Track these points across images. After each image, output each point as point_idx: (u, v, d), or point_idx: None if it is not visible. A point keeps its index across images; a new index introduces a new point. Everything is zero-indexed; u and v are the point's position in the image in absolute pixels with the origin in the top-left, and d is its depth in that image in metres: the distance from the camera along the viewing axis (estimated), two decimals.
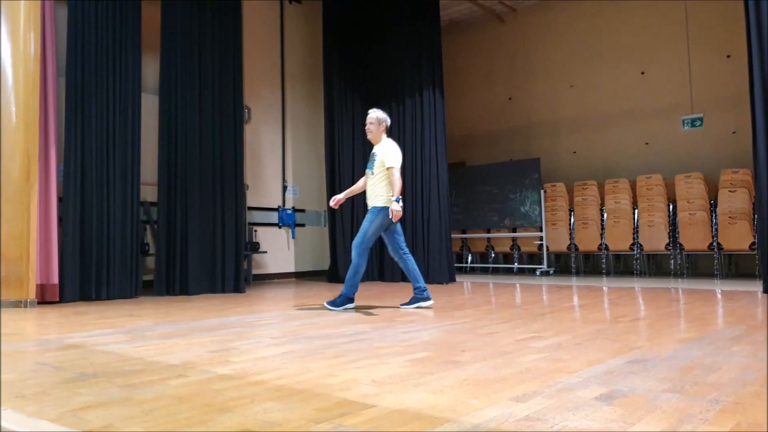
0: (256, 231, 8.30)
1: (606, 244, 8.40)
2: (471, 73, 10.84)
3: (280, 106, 9.00)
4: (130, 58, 6.16)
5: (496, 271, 9.67)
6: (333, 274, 8.14)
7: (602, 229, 8.47)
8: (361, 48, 8.51)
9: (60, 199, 5.66)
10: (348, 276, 4.62)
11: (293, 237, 8.98)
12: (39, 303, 5.23)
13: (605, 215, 8.44)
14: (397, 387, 2.08)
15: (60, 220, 5.60)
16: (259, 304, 5.36)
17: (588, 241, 8.56)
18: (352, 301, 4.66)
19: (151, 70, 6.82)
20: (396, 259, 4.81)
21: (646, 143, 8.94)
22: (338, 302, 4.61)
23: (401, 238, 4.77)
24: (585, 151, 9.53)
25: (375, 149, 4.81)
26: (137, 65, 6.22)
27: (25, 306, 5.03)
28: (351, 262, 4.65)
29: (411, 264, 4.75)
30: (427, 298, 4.73)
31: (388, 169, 4.62)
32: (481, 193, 9.37)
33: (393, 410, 1.78)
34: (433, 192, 7.68)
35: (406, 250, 4.78)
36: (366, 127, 4.89)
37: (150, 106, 6.61)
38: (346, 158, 8.34)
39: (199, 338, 3.28)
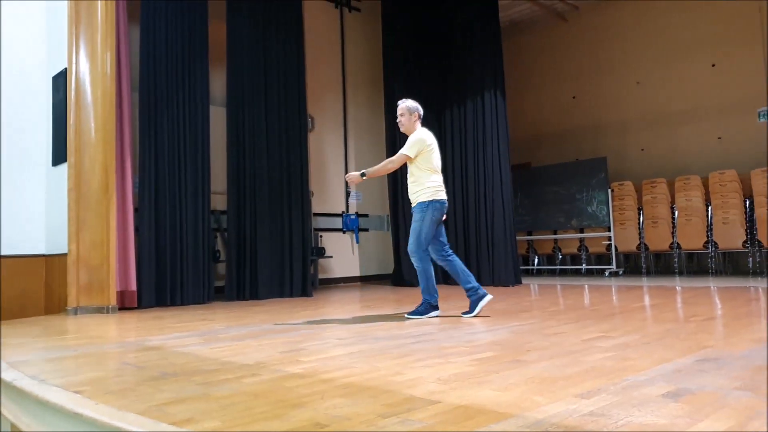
0: (321, 236, 8.48)
1: (678, 243, 8.08)
2: (534, 73, 10.69)
3: (342, 113, 9.17)
4: (199, 72, 6.45)
5: (563, 273, 9.47)
6: (397, 277, 8.20)
7: (673, 227, 8.15)
8: (421, 51, 8.55)
9: (136, 210, 5.97)
10: (421, 286, 4.36)
11: (357, 242, 9.12)
12: (119, 309, 5.54)
13: (676, 213, 8.12)
14: (462, 385, 2.10)
15: (136, 229, 5.92)
16: (326, 307, 5.48)
17: (658, 240, 8.26)
18: (436, 308, 4.37)
19: (218, 83, 7.10)
20: (440, 263, 4.46)
21: (719, 138, 8.55)
22: (421, 310, 4.33)
23: (444, 239, 4.47)
24: (653, 149, 9.22)
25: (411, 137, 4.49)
26: (205, 79, 6.51)
27: (107, 312, 5.33)
28: (417, 270, 4.39)
29: (459, 265, 4.41)
30: (484, 295, 4.33)
31: (400, 155, 4.36)
32: (547, 193, 9.22)
33: (458, 406, 1.81)
34: (497, 194, 7.61)
35: (450, 251, 4.48)
36: (397, 120, 4.57)
37: (218, 118, 6.89)
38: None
39: (270, 340, 3.40)
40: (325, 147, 8.88)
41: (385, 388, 2.09)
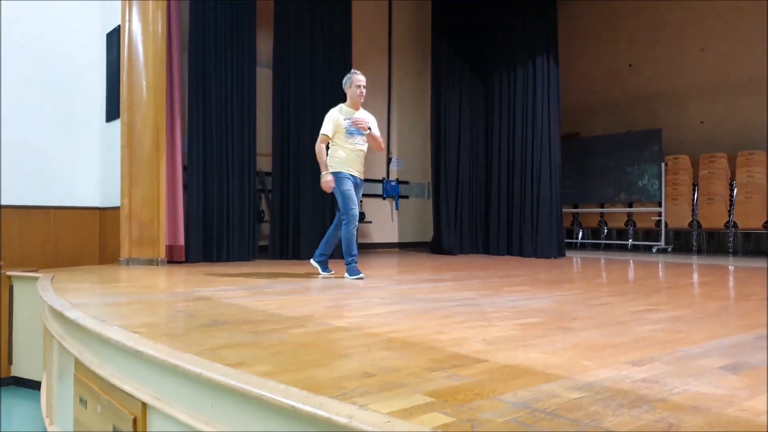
0: (361, 202, 8.49)
1: (735, 222, 7.79)
2: (588, 39, 10.30)
3: (387, 76, 9.07)
4: (246, 34, 6.47)
5: (608, 248, 9.29)
6: (436, 245, 8.19)
7: (731, 205, 7.85)
8: (471, 16, 8.35)
9: (185, 168, 6.10)
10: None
11: (397, 208, 9.12)
12: (168, 262, 5.71)
13: (734, 190, 7.81)
14: (508, 346, 2.09)
15: (185, 187, 6.05)
16: (365, 270, 5.52)
17: (713, 218, 7.98)
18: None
19: (265, 45, 7.10)
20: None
21: None
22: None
23: None
24: (714, 121, 8.80)
25: (363, 113, 4.70)
26: (252, 40, 6.53)
27: (157, 264, 5.51)
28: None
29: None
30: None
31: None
32: (596, 165, 8.98)
33: (505, 365, 1.81)
34: (544, 163, 7.47)
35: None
36: (363, 92, 4.65)
37: (264, 80, 6.91)
38: (452, 130, 8.27)
39: (313, 296, 3.45)
40: (368, 112, 8.82)
41: (430, 345, 2.10)
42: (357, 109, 4.66)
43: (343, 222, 4.49)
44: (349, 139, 4.57)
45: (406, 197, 9.29)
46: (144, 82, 5.64)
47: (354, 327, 2.42)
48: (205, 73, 6.19)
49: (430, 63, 8.57)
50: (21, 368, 4.51)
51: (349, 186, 4.51)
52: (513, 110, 7.76)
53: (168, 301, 3.27)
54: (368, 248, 8.63)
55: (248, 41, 6.49)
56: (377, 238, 8.87)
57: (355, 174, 4.60)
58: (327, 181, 4.49)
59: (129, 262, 5.45)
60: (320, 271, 4.75)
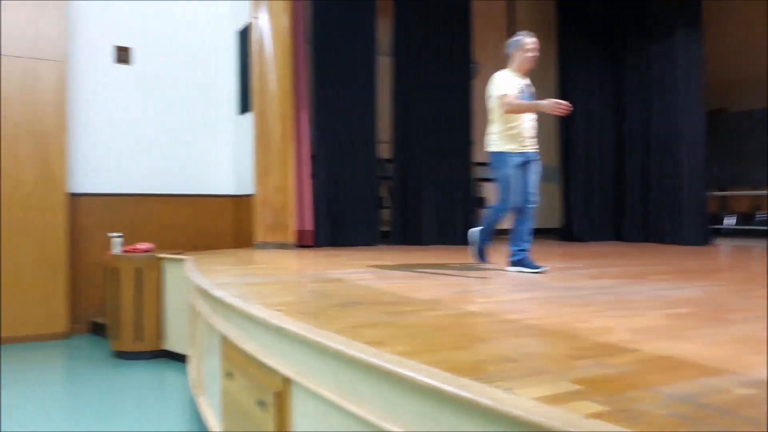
0: (483, 186, 8.35)
1: None
2: (737, 5, 9.31)
3: (506, 57, 8.79)
4: (366, 24, 6.55)
5: (762, 235, 8.40)
6: (566, 231, 7.86)
7: None
8: None
9: (313, 157, 6.32)
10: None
11: None
12: (297, 246, 5.96)
13: None
14: (658, 337, 1.94)
15: (314, 175, 6.28)
16: (493, 257, 5.41)
17: None
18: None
19: (384, 33, 7.15)
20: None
21: None
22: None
23: None
24: None
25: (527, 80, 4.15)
26: (372, 29, 6.60)
27: (287, 248, 5.78)
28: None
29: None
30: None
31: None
32: (747, 144, 8.13)
33: (657, 356, 1.67)
34: (685, 143, 6.88)
35: None
36: (537, 54, 4.12)
37: (384, 68, 6.96)
38: (581, 111, 7.86)
39: (441, 281, 3.43)
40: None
41: (571, 333, 1.99)
42: (525, 75, 4.15)
43: (498, 206, 4.04)
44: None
45: None
46: (273, 76, 5.90)
47: (487, 312, 2.36)
48: (328, 64, 6.36)
49: (555, 43, 8.19)
50: (170, 342, 4.93)
51: (514, 171, 3.91)
52: (649, 88, 7.22)
53: (302, 281, 3.40)
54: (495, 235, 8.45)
55: (368, 31, 6.57)
56: (503, 224, 8.66)
57: (527, 150, 3.98)
58: (548, 103, 3.80)
59: (262, 246, 5.76)
60: (524, 269, 3.96)
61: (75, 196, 5.86)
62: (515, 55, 4.15)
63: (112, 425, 3.47)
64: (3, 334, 5.37)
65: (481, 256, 4.19)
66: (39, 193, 5.59)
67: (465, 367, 1.51)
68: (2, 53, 5.50)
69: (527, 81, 4.16)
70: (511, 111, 3.92)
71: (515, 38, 4.17)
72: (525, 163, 3.97)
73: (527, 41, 4.09)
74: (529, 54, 4.08)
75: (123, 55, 6.23)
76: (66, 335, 5.64)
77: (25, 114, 5.57)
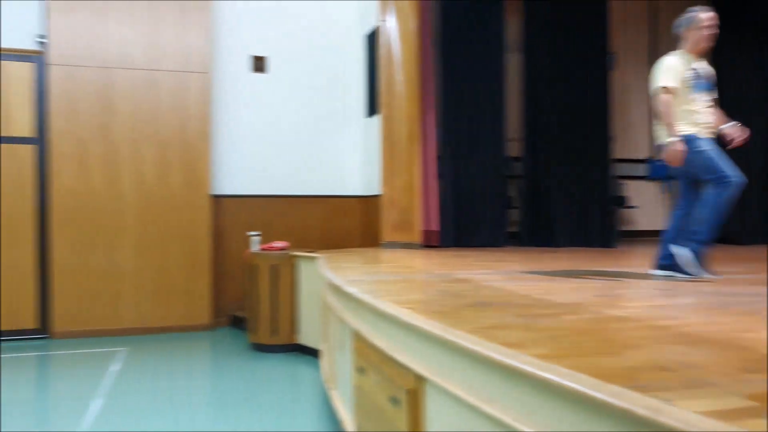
0: (623, 185, 7.85)
1: None
2: None
3: (647, 46, 8.20)
4: (494, 21, 6.40)
5: None
6: (728, 236, 7.14)
7: None
8: None
9: (439, 157, 6.29)
10: None
11: (667, 191, 8.19)
12: (423, 246, 5.96)
13: None
14: None
15: (440, 175, 6.25)
16: (633, 258, 5.07)
17: None
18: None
19: (513, 30, 6.95)
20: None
21: None
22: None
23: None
24: None
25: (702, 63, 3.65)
26: (500, 27, 6.44)
27: (413, 248, 5.79)
28: None
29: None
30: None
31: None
32: None
33: None
34: None
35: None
36: (712, 32, 3.58)
37: (513, 65, 6.77)
38: (733, 106, 7.12)
39: (577, 283, 3.25)
40: (628, 86, 8.08)
41: (736, 343, 1.77)
42: (700, 57, 3.67)
43: (717, 190, 3.33)
44: (693, 96, 3.51)
45: (673, 178, 8.31)
46: (400, 78, 5.96)
47: (635, 317, 2.18)
48: (456, 63, 6.30)
49: None
50: (303, 336, 5.13)
51: (709, 145, 3.44)
52: None
53: (430, 281, 3.37)
54: (634, 236, 7.93)
55: (496, 28, 6.42)
56: (645, 224, 8.11)
57: (707, 136, 3.53)
58: (676, 150, 3.34)
59: (389, 245, 5.82)
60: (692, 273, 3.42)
61: (217, 198, 6.31)
62: (688, 34, 3.63)
63: (251, 413, 3.66)
64: (153, 324, 5.91)
65: (698, 263, 3.44)
66: (185, 196, 6.08)
67: (614, 374, 1.38)
68: (158, 68, 6.06)
69: (703, 63, 3.68)
70: (658, 111, 3.55)
71: (687, 15, 3.67)
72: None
73: (702, 17, 3.58)
74: (705, 32, 3.57)
75: (259, 64, 6.61)
76: (208, 327, 6.08)
77: (176, 123, 6.09)
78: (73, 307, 5.73)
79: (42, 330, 5.73)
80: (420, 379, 1.94)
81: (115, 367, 4.61)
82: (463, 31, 6.31)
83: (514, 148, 6.91)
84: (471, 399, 1.66)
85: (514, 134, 6.86)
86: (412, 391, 1.96)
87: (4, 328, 5.58)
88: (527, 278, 3.50)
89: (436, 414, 1.88)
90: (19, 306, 5.67)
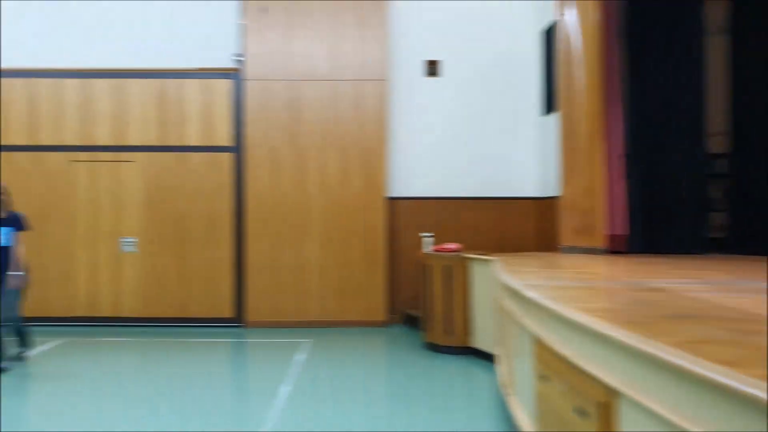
0: None
1: None
2: None
3: None
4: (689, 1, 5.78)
5: None
6: None
7: None
8: None
9: (626, 156, 5.83)
10: None
11: None
12: (608, 252, 5.54)
13: None
14: None
15: (628, 175, 5.78)
16: None
17: None
18: None
19: (714, 10, 6.21)
20: None
21: None
22: None
23: None
24: None
25: None
26: (698, 6, 5.78)
27: (595, 253, 5.42)
28: None
29: None
30: None
31: None
32: None
33: None
34: None
35: None
36: None
37: (715, 50, 6.05)
38: None
39: None
40: None
41: None
42: None
43: None
44: None
45: None
46: (581, 73, 5.64)
47: None
48: (644, 53, 5.79)
49: None
50: (478, 340, 5.06)
51: None
52: None
53: (618, 288, 3.12)
54: None
55: (695, 7, 5.78)
56: None
57: None
58: None
59: (568, 249, 5.52)
60: None
61: (392, 200, 6.51)
62: None
63: (428, 410, 3.69)
64: (334, 318, 6.27)
65: None
66: (364, 198, 6.36)
67: None
68: (340, 78, 6.42)
69: None
70: None
71: None
72: None
73: None
74: None
75: (432, 68, 6.70)
76: (384, 324, 6.29)
77: (355, 129, 6.41)
78: (264, 300, 6.29)
79: (237, 319, 6.37)
80: (612, 392, 1.79)
81: (300, 357, 4.96)
82: (653, 15, 5.78)
83: (716, 143, 6.17)
84: (672, 416, 1.49)
85: (717, 128, 6.13)
86: (604, 404, 1.80)
87: (207, 316, 6.31)
88: (736, 289, 3.07)
89: (631, 429, 1.72)
90: (219, 298, 6.38)
